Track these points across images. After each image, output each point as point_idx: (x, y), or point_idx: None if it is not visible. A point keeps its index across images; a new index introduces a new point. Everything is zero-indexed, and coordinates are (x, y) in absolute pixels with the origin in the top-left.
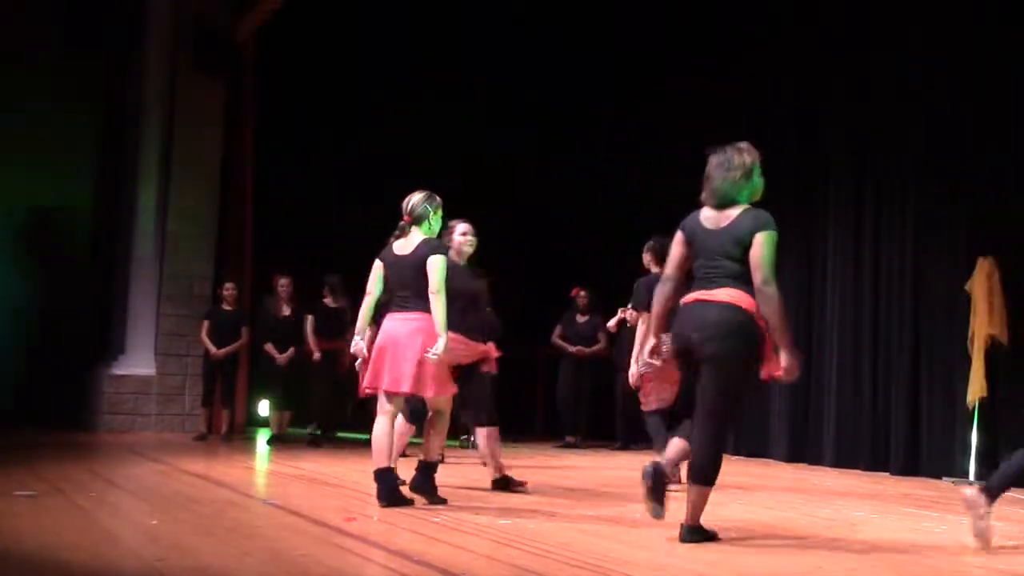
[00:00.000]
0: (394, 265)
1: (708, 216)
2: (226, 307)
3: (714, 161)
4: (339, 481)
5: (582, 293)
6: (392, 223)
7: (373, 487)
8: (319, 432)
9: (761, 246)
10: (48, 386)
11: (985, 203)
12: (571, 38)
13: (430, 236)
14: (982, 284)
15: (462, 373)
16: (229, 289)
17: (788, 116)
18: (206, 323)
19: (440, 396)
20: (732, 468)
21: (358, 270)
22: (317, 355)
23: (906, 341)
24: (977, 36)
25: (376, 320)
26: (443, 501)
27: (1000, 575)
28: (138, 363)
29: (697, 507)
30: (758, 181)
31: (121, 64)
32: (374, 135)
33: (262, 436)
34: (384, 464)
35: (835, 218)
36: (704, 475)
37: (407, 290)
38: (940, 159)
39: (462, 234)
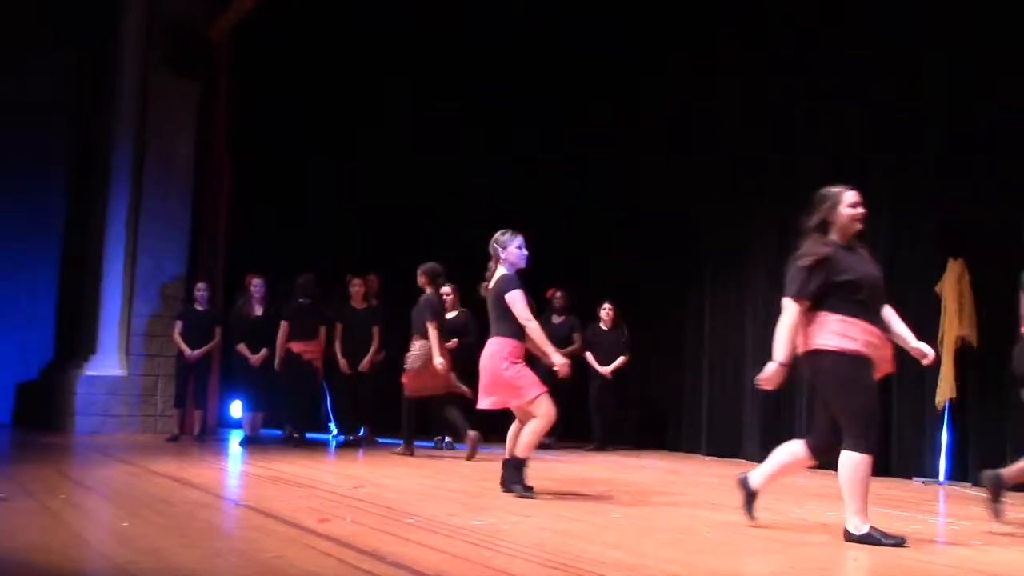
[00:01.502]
0: (487, 298)
1: None
2: (198, 307)
3: None
4: (312, 482)
5: (558, 294)
6: (364, 224)
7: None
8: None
9: None
10: (20, 387)
11: (956, 205)
12: (569, 39)
13: (506, 270)
14: (952, 286)
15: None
16: (201, 289)
17: (762, 119)
18: (178, 323)
19: (519, 403)
20: (704, 469)
21: (333, 271)
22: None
23: None
24: (951, 40)
25: None
26: (530, 490)
27: (970, 573)
28: (109, 364)
29: None
30: None
31: (95, 63)
32: (351, 136)
33: (235, 437)
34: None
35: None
36: None
37: (492, 318)
38: (912, 161)
39: (850, 205)
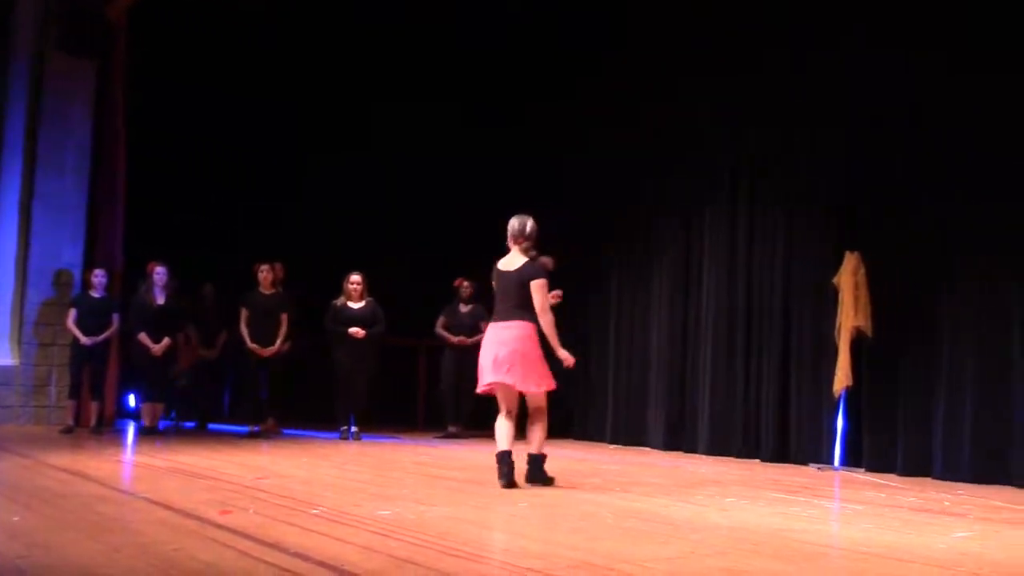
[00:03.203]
0: (501, 280)
1: None
2: (95, 294)
3: None
4: (214, 474)
5: (465, 283)
6: (265, 209)
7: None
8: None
9: None
10: None
11: (853, 200)
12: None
13: (527, 254)
14: (849, 278)
15: None
16: (98, 276)
17: (668, 119)
18: (73, 311)
19: (538, 390)
20: (609, 457)
21: (231, 258)
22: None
23: (777, 333)
24: (848, 40)
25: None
26: (551, 480)
27: (860, 556)
28: (0, 353)
29: None
30: None
31: None
32: (252, 118)
33: (133, 428)
34: (504, 448)
35: (710, 214)
36: None
37: (513, 302)
38: (810, 158)
39: None
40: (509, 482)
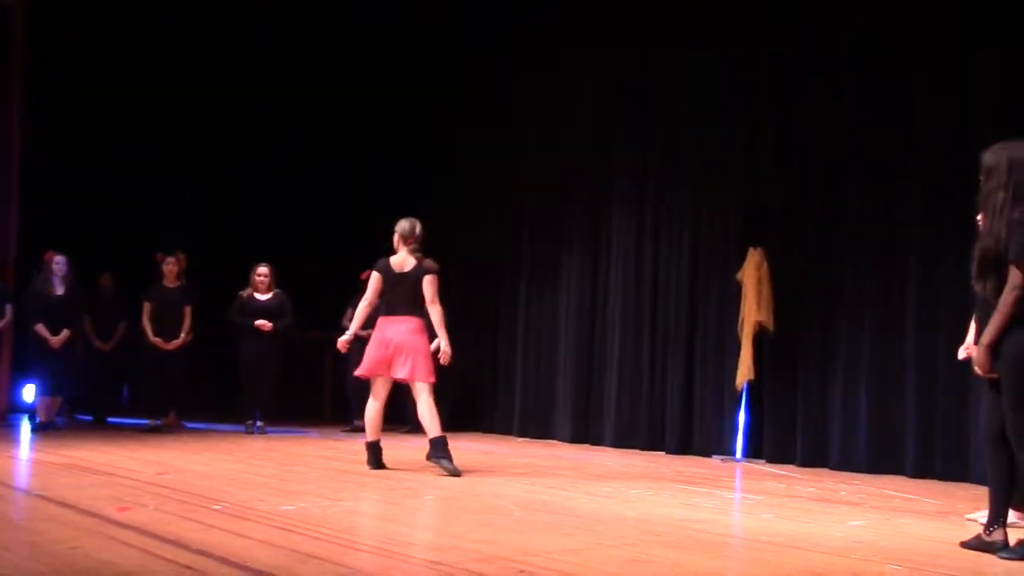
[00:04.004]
0: (396, 279)
1: None
2: None
3: None
4: (112, 469)
5: None
6: (168, 198)
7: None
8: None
9: None
10: None
11: (755, 198)
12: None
13: (414, 254)
14: (752, 274)
15: None
16: None
17: (586, 115)
18: None
19: (427, 380)
20: (517, 450)
21: (136, 248)
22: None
23: (682, 327)
24: (745, 43)
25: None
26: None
27: (760, 544)
28: None
29: None
30: None
31: None
32: (152, 110)
33: (27, 423)
34: (373, 439)
35: (617, 211)
36: None
37: (407, 299)
38: (715, 157)
39: None
40: (378, 465)
